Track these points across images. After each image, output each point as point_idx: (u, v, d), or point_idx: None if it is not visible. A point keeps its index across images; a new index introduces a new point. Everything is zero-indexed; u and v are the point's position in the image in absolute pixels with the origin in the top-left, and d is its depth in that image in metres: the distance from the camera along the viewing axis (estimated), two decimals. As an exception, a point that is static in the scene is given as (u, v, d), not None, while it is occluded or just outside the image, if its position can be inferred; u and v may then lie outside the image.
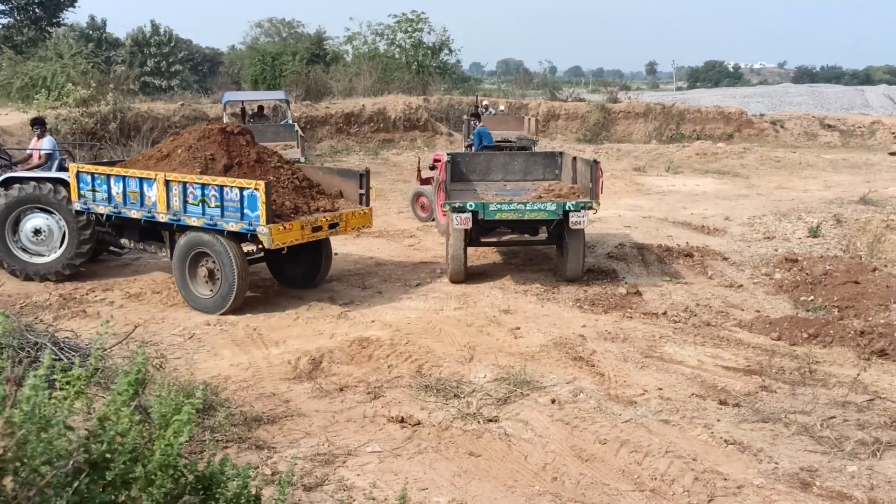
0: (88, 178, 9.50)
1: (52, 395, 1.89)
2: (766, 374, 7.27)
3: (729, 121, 32.06)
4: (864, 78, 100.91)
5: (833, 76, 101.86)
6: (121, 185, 9.21)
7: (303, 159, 16.41)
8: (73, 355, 6.31)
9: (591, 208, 9.58)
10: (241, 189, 8.43)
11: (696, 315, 9.07)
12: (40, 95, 21.10)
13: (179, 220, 8.86)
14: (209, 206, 8.65)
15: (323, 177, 10.24)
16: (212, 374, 6.89)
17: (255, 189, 8.33)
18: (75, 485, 1.63)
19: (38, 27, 37.83)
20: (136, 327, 7.57)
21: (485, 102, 26.65)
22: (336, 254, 11.93)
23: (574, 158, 11.11)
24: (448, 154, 11.53)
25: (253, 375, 6.95)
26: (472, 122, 15.23)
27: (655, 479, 5.22)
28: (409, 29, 37.57)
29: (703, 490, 5.06)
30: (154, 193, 8.93)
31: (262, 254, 9.80)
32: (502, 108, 26.64)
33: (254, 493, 2.24)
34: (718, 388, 6.93)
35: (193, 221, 8.77)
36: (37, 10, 38.80)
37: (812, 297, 9.66)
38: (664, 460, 5.44)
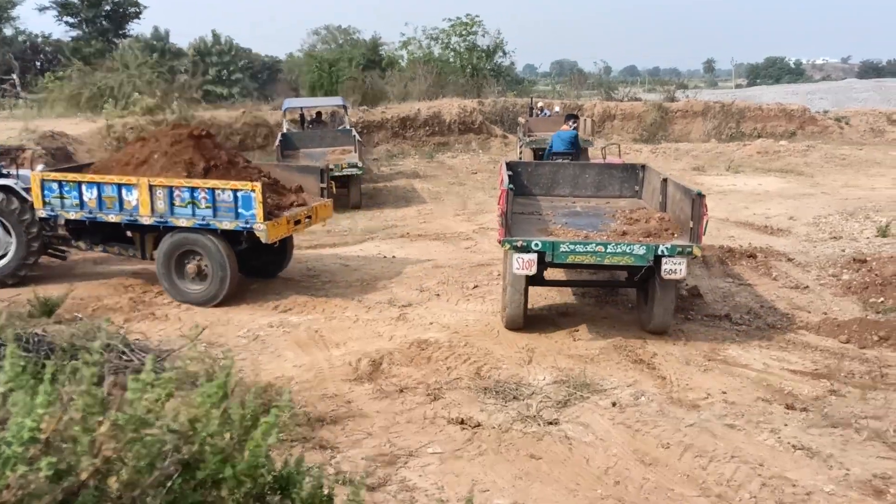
0: (55, 185, 9.75)
1: (144, 398, 1.97)
2: (835, 378, 7.09)
3: (791, 118, 31.21)
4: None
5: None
6: (94, 191, 9.54)
7: (360, 164, 16.60)
8: (142, 356, 6.53)
9: (691, 254, 7.50)
10: (236, 191, 8.99)
11: (760, 317, 8.88)
12: (108, 105, 21.82)
13: (166, 221, 9.31)
14: (199, 208, 9.15)
15: (282, 173, 10.73)
16: (276, 375, 7.04)
17: (252, 190, 8.93)
18: (168, 484, 1.70)
19: (105, 39, 39.12)
20: (203, 329, 7.77)
21: (539, 104, 26.52)
22: (393, 257, 12.06)
23: (665, 180, 9.12)
24: (506, 165, 10.08)
25: (315, 376, 7.07)
26: (572, 123, 13.50)
27: (721, 484, 5.14)
28: (464, 32, 37.62)
29: (770, 496, 4.97)
30: (135, 198, 9.34)
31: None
32: (557, 109, 26.45)
33: (327, 493, 2.30)
34: (785, 392, 6.78)
35: (182, 222, 9.25)
36: (104, 22, 40.14)
37: (882, 299, 9.36)
38: (730, 465, 5.35)
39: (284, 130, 19.54)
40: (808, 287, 10.15)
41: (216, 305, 9.29)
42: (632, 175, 10.48)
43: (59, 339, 6.40)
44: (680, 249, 7.44)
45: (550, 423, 6.04)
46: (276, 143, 17.61)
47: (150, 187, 9.22)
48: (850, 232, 13.33)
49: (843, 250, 11.95)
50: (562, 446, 5.69)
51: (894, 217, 13.95)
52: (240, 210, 9.02)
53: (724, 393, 6.72)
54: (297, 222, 9.72)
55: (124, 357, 6.47)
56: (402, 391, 6.73)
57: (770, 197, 17.75)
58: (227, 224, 9.11)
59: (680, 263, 7.41)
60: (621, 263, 7.71)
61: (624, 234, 8.09)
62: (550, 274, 8.71)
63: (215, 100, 35.59)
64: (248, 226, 9.03)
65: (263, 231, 8.98)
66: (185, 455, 1.81)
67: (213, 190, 9.08)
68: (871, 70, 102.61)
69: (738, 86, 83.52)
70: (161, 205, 9.25)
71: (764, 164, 23.51)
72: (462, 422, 6.07)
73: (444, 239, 13.55)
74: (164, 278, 9.53)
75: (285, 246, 10.62)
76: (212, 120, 22.35)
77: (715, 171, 22.54)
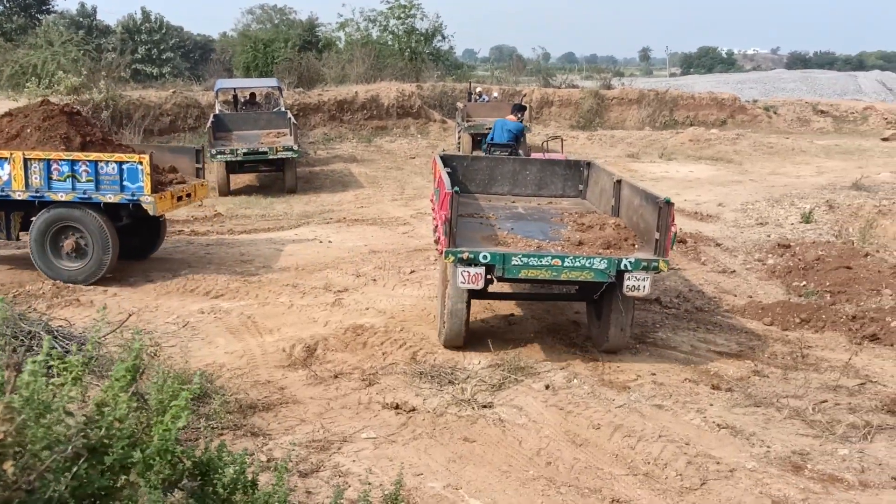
0: None
1: (50, 382, 1.90)
2: (759, 359, 7.33)
3: (722, 107, 32.02)
4: (857, 63, 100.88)
5: (826, 62, 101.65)
6: None
7: (296, 147, 16.34)
8: (67, 344, 6.31)
9: (657, 269, 6.68)
10: (121, 163, 9.00)
11: (689, 301, 9.12)
12: (31, 83, 20.94)
13: (42, 196, 9.16)
14: (80, 181, 9.08)
15: (154, 154, 10.64)
16: (206, 361, 6.90)
17: (139, 162, 8.99)
18: (74, 470, 1.64)
19: (27, 14, 37.50)
20: (129, 315, 7.56)
21: (478, 89, 26.57)
22: (329, 242, 11.94)
23: (619, 181, 8.27)
24: (442, 160, 9.16)
25: (247, 363, 6.96)
26: (519, 115, 11.92)
27: (648, 463, 5.26)
28: (402, 15, 37.24)
29: (695, 474, 5.11)
30: (7, 172, 9.16)
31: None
32: (496, 94, 26.58)
33: (250, 478, 2.26)
34: (711, 373, 6.98)
35: (61, 197, 9.13)
36: (26, -4, 38.48)
37: (804, 283, 9.72)
38: (657, 444, 5.49)
39: (217, 112, 19.10)
40: (734, 271, 10.46)
41: (95, 283, 9.23)
42: (575, 173, 9.69)
43: (-24, 326, 6.13)
44: (645, 264, 6.58)
45: (485, 407, 6.08)
46: (208, 124, 17.20)
47: (25, 161, 8.99)
48: (776, 218, 13.78)
49: (769, 236, 12.35)
50: (495, 429, 5.74)
51: (817, 204, 14.48)
52: (125, 183, 9.01)
53: (654, 374, 6.88)
54: (180, 198, 9.86)
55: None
56: (336, 377, 6.68)
57: (701, 184, 18.21)
58: (111, 197, 9.06)
59: (644, 279, 6.60)
60: (580, 279, 6.79)
61: (580, 244, 7.20)
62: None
63: (145, 79, 34.53)
64: (135, 198, 9.02)
65: (151, 203, 9.02)
66: (91, 440, 1.75)
67: (95, 163, 8.99)
68: (798, 61, 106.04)
69: (673, 74, 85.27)
70: (37, 179, 9.06)
71: (695, 151, 24.09)
72: (397, 406, 6.06)
73: (381, 224, 13.49)
74: (39, 257, 9.32)
75: (159, 226, 10.68)
76: (141, 100, 21.68)
77: (648, 158, 22.99)
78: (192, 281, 9.52)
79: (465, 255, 6.62)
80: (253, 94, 22.21)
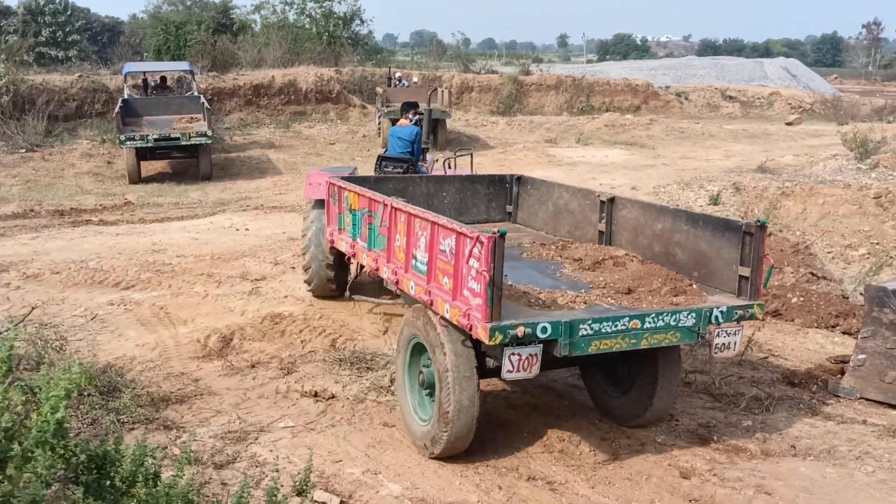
0: None
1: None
2: (669, 337, 7.56)
3: (636, 93, 32.85)
4: (764, 51, 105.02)
5: (735, 49, 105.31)
6: None
7: (210, 132, 15.92)
8: (-36, 340, 6.01)
9: (752, 318, 5.15)
10: None
11: (603, 282, 9.32)
12: (-78, 67, 19.73)
13: None
14: None
15: None
16: (116, 355, 6.68)
17: None
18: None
19: (-84, -7, 35.30)
20: (33, 309, 7.25)
21: (398, 74, 26.44)
22: (246, 230, 11.72)
23: (611, 199, 6.45)
24: (333, 174, 7.30)
25: (160, 355, 6.78)
26: (412, 116, 9.02)
27: (563, 440, 5.39)
28: (319, -2, 36.72)
29: (608, 449, 5.27)
30: None
31: None
32: (416, 80, 26.49)
33: (153, 471, 2.20)
34: (624, 351, 7.17)
35: None
36: (-85, -26, 36.17)
37: (712, 262, 10.07)
38: (572, 423, 5.63)
39: (126, 96, 18.43)
40: (647, 252, 10.75)
41: None
42: (500, 191, 7.98)
43: None
44: (740, 312, 5.00)
45: (404, 391, 6.09)
46: (117, 109, 16.58)
47: None
48: (686, 200, 14.22)
49: (680, 217, 12.74)
50: (414, 413, 5.76)
51: (725, 186, 15.01)
52: None
53: (570, 354, 7.03)
54: None
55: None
56: (253, 366, 6.58)
57: (616, 168, 18.65)
58: None
59: (735, 333, 5.02)
60: (663, 344, 4.89)
61: (629, 292, 5.28)
62: None
63: (49, 63, 33.00)
64: None
65: None
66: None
67: None
68: (708, 48, 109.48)
69: (590, 61, 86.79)
70: None
71: (611, 136, 24.64)
72: (316, 394, 6.02)
73: (300, 211, 13.28)
74: None
75: None
76: (44, 84, 20.70)
77: (566, 143, 23.39)
78: (100, 272, 9.19)
79: (520, 331, 4.41)
80: (164, 79, 21.52)
